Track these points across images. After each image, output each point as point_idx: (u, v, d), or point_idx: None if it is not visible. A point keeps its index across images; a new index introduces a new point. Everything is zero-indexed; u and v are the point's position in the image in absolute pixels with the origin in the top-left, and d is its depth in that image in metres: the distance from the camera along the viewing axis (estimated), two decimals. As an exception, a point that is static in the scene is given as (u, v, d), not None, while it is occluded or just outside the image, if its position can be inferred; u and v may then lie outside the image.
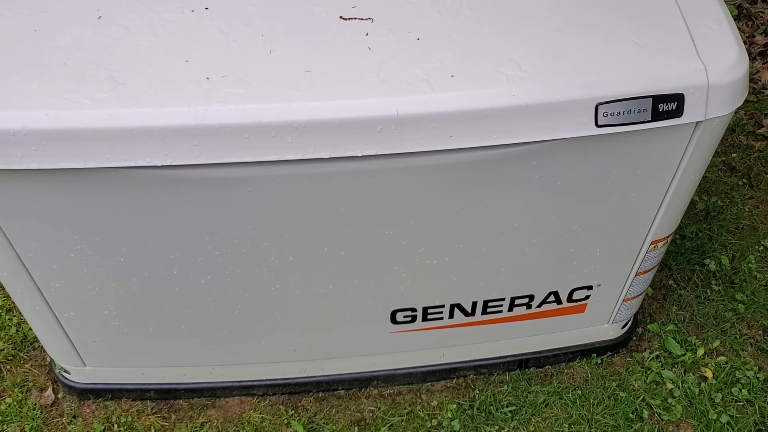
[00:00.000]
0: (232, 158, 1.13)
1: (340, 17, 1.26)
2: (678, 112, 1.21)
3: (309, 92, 1.14)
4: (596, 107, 1.18)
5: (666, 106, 1.20)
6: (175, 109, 1.10)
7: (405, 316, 1.59)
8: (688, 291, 2.03)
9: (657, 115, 1.20)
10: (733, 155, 2.44)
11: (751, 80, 2.73)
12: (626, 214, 1.43)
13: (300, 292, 1.47)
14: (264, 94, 1.13)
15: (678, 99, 1.20)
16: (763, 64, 2.80)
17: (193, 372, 1.73)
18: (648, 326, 1.95)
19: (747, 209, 2.26)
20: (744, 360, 1.88)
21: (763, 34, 2.88)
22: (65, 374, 1.75)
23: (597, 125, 1.19)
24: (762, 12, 2.96)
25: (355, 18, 1.26)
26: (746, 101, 2.66)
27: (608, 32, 1.24)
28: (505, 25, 1.25)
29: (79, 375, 1.73)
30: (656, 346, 1.92)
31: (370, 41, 1.22)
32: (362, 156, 1.16)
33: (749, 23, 2.93)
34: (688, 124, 1.23)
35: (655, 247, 1.55)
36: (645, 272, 1.63)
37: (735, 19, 2.95)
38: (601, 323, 1.80)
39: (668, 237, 1.55)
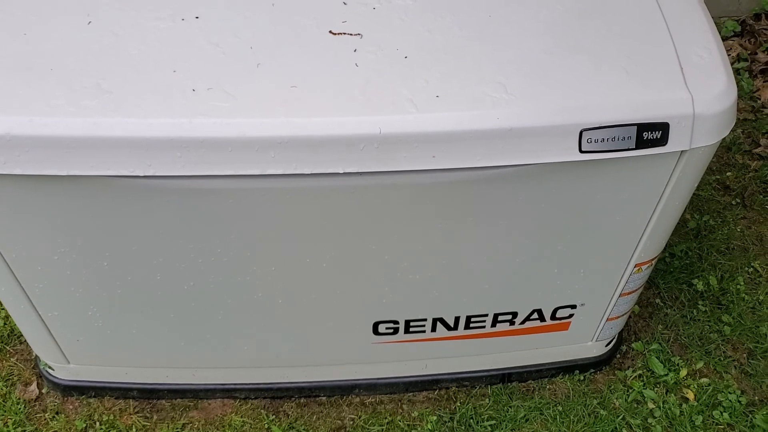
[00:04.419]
0: (214, 171, 1.13)
1: (330, 32, 1.26)
2: (663, 141, 1.21)
3: (293, 108, 1.14)
4: (580, 133, 1.18)
5: (651, 134, 1.20)
6: (159, 121, 1.11)
7: (387, 328, 1.59)
8: (674, 310, 2.04)
9: (641, 143, 1.20)
10: (728, 174, 2.44)
11: (750, 98, 2.73)
12: (610, 237, 1.43)
13: (282, 301, 1.47)
14: (249, 109, 1.13)
15: (663, 128, 1.20)
16: (764, 81, 2.79)
17: (176, 373, 1.74)
18: (632, 344, 1.95)
19: (739, 229, 2.26)
20: (727, 383, 1.88)
21: (766, 52, 2.87)
22: (49, 370, 1.76)
23: (581, 151, 1.19)
24: (766, 28, 2.95)
25: (344, 33, 1.26)
26: (744, 120, 2.66)
27: (597, 56, 1.24)
28: (495, 45, 1.25)
29: (63, 372, 1.74)
30: (639, 365, 1.92)
31: (357, 57, 1.22)
32: (344, 173, 1.16)
33: (752, 40, 2.92)
34: (673, 152, 1.23)
35: (639, 269, 1.55)
36: (629, 293, 1.63)
37: (738, 36, 2.94)
38: (584, 341, 1.80)
39: (653, 260, 1.55)
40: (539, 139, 1.17)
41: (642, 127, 1.19)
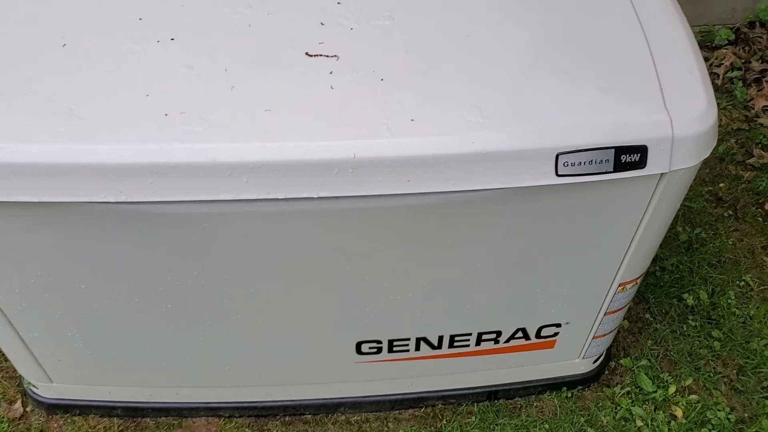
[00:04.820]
0: (186, 196, 1.13)
1: (306, 53, 1.25)
2: (641, 164, 1.19)
3: (267, 132, 1.13)
4: (556, 157, 1.16)
5: (629, 157, 1.18)
6: (131, 147, 1.10)
7: (370, 348, 1.58)
8: (664, 325, 2.02)
9: (619, 166, 1.19)
10: (721, 185, 2.42)
11: (744, 107, 2.71)
12: (591, 258, 1.42)
13: (262, 322, 1.46)
14: (221, 133, 1.12)
15: (641, 150, 1.18)
16: (758, 90, 2.77)
17: (160, 392, 1.73)
18: (621, 360, 1.94)
19: (731, 242, 2.24)
20: (716, 400, 1.86)
21: (760, 60, 2.85)
22: (33, 389, 1.76)
23: (557, 174, 1.18)
24: (760, 37, 2.93)
25: (321, 55, 1.25)
26: (738, 129, 2.65)
27: (575, 76, 1.23)
28: (472, 66, 1.23)
29: (47, 390, 1.74)
30: (628, 382, 1.90)
31: (333, 80, 1.21)
32: (318, 197, 1.15)
33: (746, 48, 2.90)
34: (652, 175, 1.22)
35: (623, 288, 1.53)
36: (614, 312, 1.62)
37: (732, 44, 2.92)
38: (571, 358, 1.79)
39: (637, 279, 1.53)
40: (515, 163, 1.16)
41: (620, 150, 1.18)
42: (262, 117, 1.15)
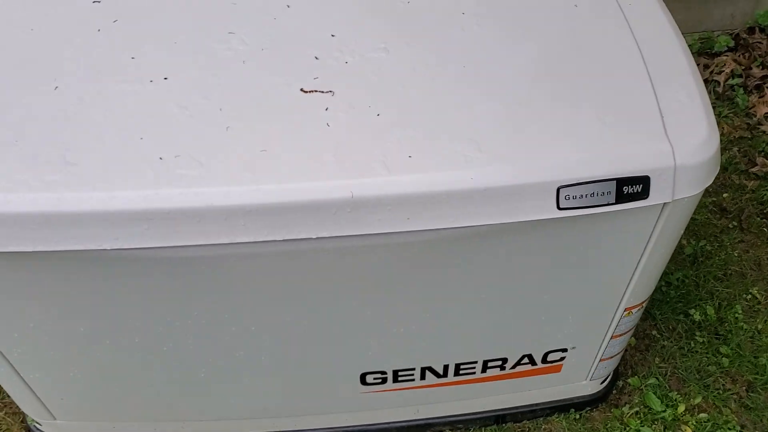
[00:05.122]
0: (182, 241, 1.11)
1: (301, 89, 1.23)
2: (644, 195, 1.18)
3: (263, 174, 1.12)
4: (558, 190, 1.15)
5: (631, 188, 1.17)
6: (125, 193, 1.08)
7: (375, 378, 1.57)
8: (671, 342, 2.00)
9: (621, 198, 1.17)
10: (724, 195, 2.40)
11: (746, 115, 2.69)
12: (595, 286, 1.40)
13: (265, 359, 1.45)
14: (217, 176, 1.11)
15: (643, 181, 1.17)
16: (759, 97, 2.75)
17: (164, 426, 1.71)
18: (629, 380, 1.92)
19: (736, 254, 2.22)
20: (726, 418, 1.84)
21: (761, 66, 2.83)
22: (37, 425, 1.74)
23: (559, 208, 1.16)
24: (760, 42, 2.91)
25: (316, 91, 1.23)
26: (740, 137, 2.62)
27: (573, 106, 1.21)
28: (469, 99, 1.22)
29: (51, 427, 1.72)
30: (636, 401, 1.88)
31: (329, 117, 1.19)
32: (317, 238, 1.14)
33: (746, 54, 2.88)
34: (655, 204, 1.20)
35: (629, 313, 1.51)
36: (621, 335, 1.60)
37: (732, 50, 2.90)
38: (578, 380, 1.77)
39: (643, 303, 1.52)
40: (515, 198, 1.14)
41: (621, 182, 1.16)
42: (258, 157, 1.13)
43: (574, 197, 1.16)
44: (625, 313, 1.51)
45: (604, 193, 1.16)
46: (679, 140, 1.18)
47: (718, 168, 1.23)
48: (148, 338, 1.35)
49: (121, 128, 1.16)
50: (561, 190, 1.15)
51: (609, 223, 1.23)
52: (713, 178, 1.23)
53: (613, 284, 1.41)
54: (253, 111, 1.20)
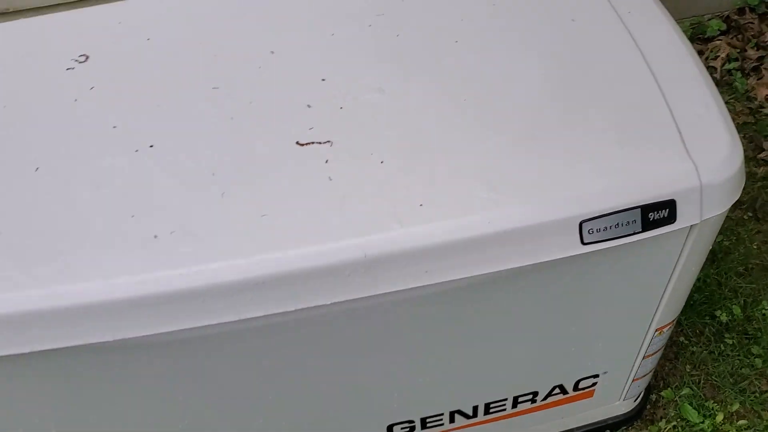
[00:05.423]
0: (187, 324, 1.04)
1: (297, 142, 1.16)
2: (671, 219, 1.11)
3: (266, 241, 1.04)
4: (580, 225, 1.08)
5: (657, 214, 1.10)
6: (121, 281, 1.01)
7: (402, 428, 1.49)
8: (700, 347, 1.93)
9: (648, 225, 1.10)
10: (736, 186, 2.33)
11: (746, 99, 2.62)
12: (624, 312, 1.33)
13: (286, 423, 1.37)
14: (217, 250, 1.03)
15: (669, 205, 1.10)
16: (758, 79, 2.69)
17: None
18: (662, 392, 1.85)
19: (755, 246, 2.15)
20: (766, 423, 1.77)
21: (756, 47, 2.77)
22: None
23: (583, 243, 1.09)
24: (752, 23, 2.85)
25: (312, 142, 1.16)
26: (744, 123, 2.56)
27: (586, 132, 1.14)
28: (474, 135, 1.15)
29: None
30: (672, 414, 1.81)
31: (330, 170, 1.12)
32: (331, 303, 1.07)
33: (740, 36, 2.82)
34: (683, 228, 1.13)
35: (660, 332, 1.44)
36: (652, 354, 1.53)
37: (724, 34, 2.83)
38: (611, 402, 1.70)
39: (673, 321, 1.45)
40: (536, 238, 1.07)
41: (647, 209, 1.09)
42: (259, 224, 1.06)
43: (598, 230, 1.09)
44: (656, 333, 1.44)
45: (629, 222, 1.09)
46: (701, 157, 1.11)
47: (743, 181, 1.16)
48: (162, 418, 1.27)
49: (110, 207, 1.09)
50: (584, 224, 1.08)
51: (635, 250, 1.16)
52: (740, 192, 1.17)
53: (642, 308, 1.35)
54: (248, 172, 1.12)
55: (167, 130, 1.18)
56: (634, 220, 1.09)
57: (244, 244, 1.04)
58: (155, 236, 1.05)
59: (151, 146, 1.16)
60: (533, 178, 1.09)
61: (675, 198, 1.09)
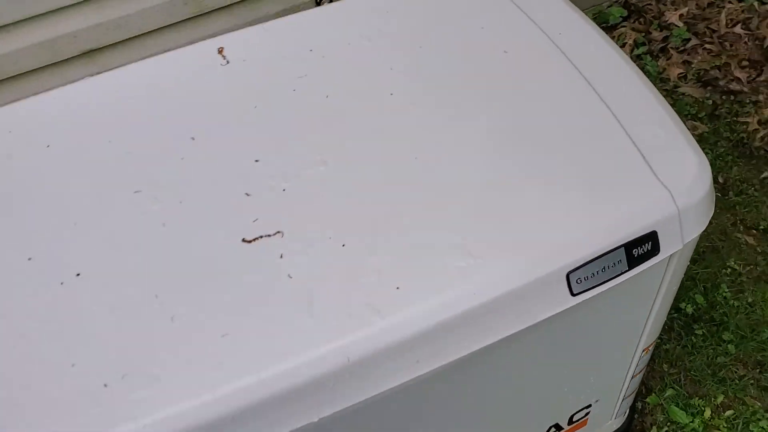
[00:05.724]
0: (160, 479, 0.90)
1: (243, 240, 1.04)
2: (654, 251, 1.05)
3: (231, 367, 0.91)
4: (567, 277, 1.00)
5: (640, 249, 1.04)
6: (73, 448, 0.86)
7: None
8: (673, 343, 1.91)
9: (633, 262, 1.04)
10: (669, 170, 2.35)
11: (660, 81, 2.66)
12: (613, 342, 1.28)
13: None
14: (176, 388, 0.89)
15: (651, 238, 1.04)
16: (667, 60, 2.73)
17: None
18: (647, 399, 1.82)
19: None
20: (753, 408, 1.77)
21: (659, 28, 2.81)
22: None
23: (572, 294, 1.02)
24: (650, 4, 2.89)
25: (260, 237, 1.04)
26: (662, 105, 2.58)
27: (552, 178, 1.07)
28: (437, 197, 1.06)
29: None
30: (662, 419, 1.79)
31: (287, 266, 1.00)
32: (319, 420, 0.95)
33: (641, 20, 2.86)
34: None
35: (647, 351, 1.40)
36: (640, 372, 1.49)
37: (626, 19, 2.87)
38: (604, 422, 1.65)
39: (657, 338, 1.41)
40: (523, 299, 0.99)
41: (630, 246, 1.03)
42: (220, 346, 0.93)
43: (586, 278, 1.02)
44: (643, 352, 1.39)
45: (614, 263, 1.03)
46: (672, 181, 1.06)
47: (714, 196, 1.12)
48: None
49: (44, 357, 0.93)
50: (571, 275, 1.01)
51: (622, 287, 1.09)
52: (713, 207, 1.13)
53: (629, 334, 1.29)
54: (195, 286, 0.99)
55: (92, 252, 1.03)
56: (620, 260, 1.03)
57: (207, 375, 0.91)
58: (105, 384, 0.90)
59: (78, 275, 1.01)
60: (509, 237, 1.01)
61: (656, 229, 1.04)
